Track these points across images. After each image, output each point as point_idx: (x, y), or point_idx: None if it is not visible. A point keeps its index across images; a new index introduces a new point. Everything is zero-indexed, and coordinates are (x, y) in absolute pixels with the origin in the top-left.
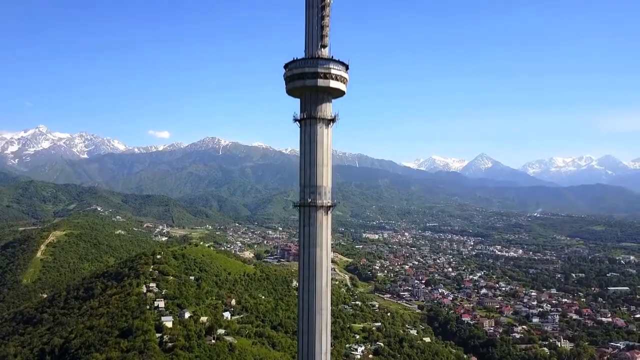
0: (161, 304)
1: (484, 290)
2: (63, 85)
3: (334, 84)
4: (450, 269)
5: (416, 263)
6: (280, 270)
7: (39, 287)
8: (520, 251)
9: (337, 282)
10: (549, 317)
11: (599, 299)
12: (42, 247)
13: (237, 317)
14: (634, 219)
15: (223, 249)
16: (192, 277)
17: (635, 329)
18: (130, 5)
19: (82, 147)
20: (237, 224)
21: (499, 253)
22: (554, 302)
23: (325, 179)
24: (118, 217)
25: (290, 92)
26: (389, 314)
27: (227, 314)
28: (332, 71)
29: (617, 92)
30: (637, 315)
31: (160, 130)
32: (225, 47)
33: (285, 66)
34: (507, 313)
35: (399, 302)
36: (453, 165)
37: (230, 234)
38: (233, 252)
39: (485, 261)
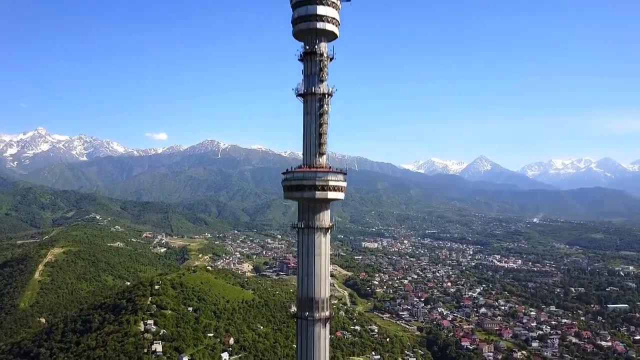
0: (159, 347)
1: (483, 310)
2: (60, 87)
3: (332, 194)
4: (449, 284)
5: (415, 277)
6: (279, 294)
7: (36, 311)
8: (520, 261)
9: (336, 301)
10: (549, 340)
11: (599, 317)
12: (40, 267)
13: (236, 357)
14: (633, 225)
15: (221, 263)
16: (190, 308)
17: (634, 354)
18: (128, 7)
19: (81, 150)
20: (236, 231)
21: (498, 264)
22: (553, 322)
23: (323, 289)
24: (117, 226)
25: (289, 198)
26: (388, 339)
27: (225, 355)
28: (330, 183)
29: (616, 94)
30: (637, 337)
31: (157, 132)
32: (224, 48)
33: (284, 173)
34: (506, 336)
35: (398, 322)
36: (452, 167)
37: (229, 242)
38: (232, 264)
39: (485, 273)
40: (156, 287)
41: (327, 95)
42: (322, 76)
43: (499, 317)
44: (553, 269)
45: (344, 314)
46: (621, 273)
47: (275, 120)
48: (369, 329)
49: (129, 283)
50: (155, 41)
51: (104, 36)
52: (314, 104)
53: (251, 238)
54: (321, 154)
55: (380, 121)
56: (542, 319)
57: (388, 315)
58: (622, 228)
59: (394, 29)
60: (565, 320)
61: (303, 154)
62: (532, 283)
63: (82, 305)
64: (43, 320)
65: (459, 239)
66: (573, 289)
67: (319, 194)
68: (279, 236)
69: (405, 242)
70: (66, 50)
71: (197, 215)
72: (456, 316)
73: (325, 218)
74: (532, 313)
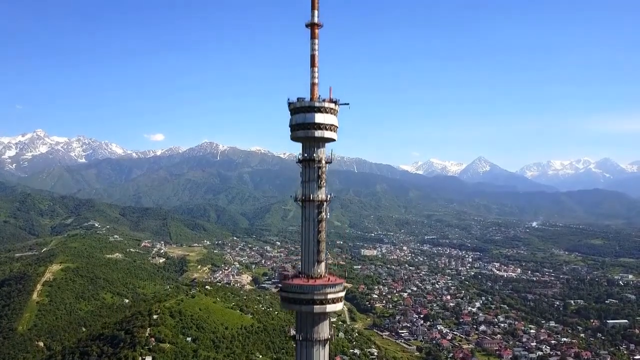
0: None
1: (482, 327)
2: (58, 88)
3: (330, 307)
4: (448, 297)
5: (414, 289)
6: (278, 316)
7: (34, 335)
8: (519, 270)
9: (335, 319)
10: None
11: (598, 334)
12: (38, 286)
13: None
14: (632, 229)
15: (220, 275)
16: (189, 339)
17: None
18: (127, 9)
19: (80, 152)
20: (235, 238)
21: (497, 272)
22: (553, 342)
23: None
24: (115, 235)
25: (286, 309)
26: None
27: None
28: (329, 296)
29: (614, 94)
30: (637, 357)
31: (154, 133)
32: (222, 48)
33: (281, 281)
34: (506, 357)
35: (397, 341)
36: (451, 168)
37: (228, 250)
38: (231, 276)
39: (484, 284)
40: (154, 316)
41: (325, 202)
42: (321, 183)
43: (499, 336)
44: (552, 279)
45: (343, 335)
46: (620, 283)
47: (274, 120)
48: (369, 351)
49: (127, 300)
50: (154, 43)
51: (101, 37)
52: (312, 211)
53: (250, 245)
54: (319, 262)
55: (379, 122)
56: (541, 337)
57: (387, 333)
58: (621, 233)
59: (392, 31)
60: (565, 339)
61: (301, 261)
62: (532, 295)
63: (80, 332)
64: (41, 344)
65: (458, 245)
66: (572, 302)
67: (317, 308)
68: (278, 243)
69: (405, 248)
70: (63, 51)
71: (196, 221)
72: (456, 334)
73: (324, 329)
74: (532, 331)
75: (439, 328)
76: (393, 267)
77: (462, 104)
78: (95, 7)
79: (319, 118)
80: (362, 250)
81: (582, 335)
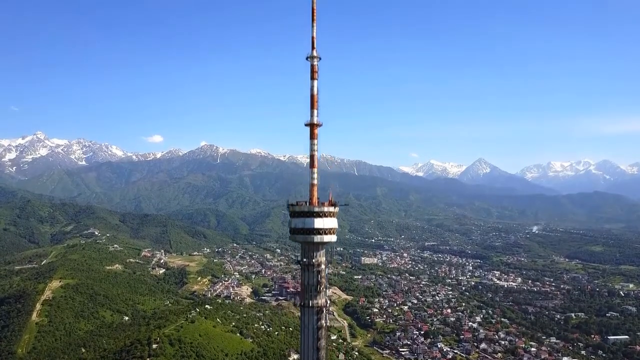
0: None
1: (483, 345)
2: (56, 90)
3: None
4: (449, 310)
5: (415, 302)
6: (277, 337)
7: (33, 357)
8: (520, 280)
9: (335, 336)
10: None
11: (599, 351)
12: (38, 305)
13: None
14: (632, 234)
15: (220, 287)
16: None
17: None
18: (126, 10)
19: (80, 154)
20: (235, 245)
21: (497, 282)
22: None
23: None
24: (115, 245)
25: None
26: None
27: None
28: None
29: (614, 95)
30: None
31: (152, 134)
32: (221, 49)
33: None
34: None
35: None
36: (451, 170)
37: (228, 259)
38: (231, 288)
39: (485, 295)
40: (154, 346)
41: (325, 308)
42: (320, 288)
43: (500, 354)
44: (553, 289)
45: (343, 357)
46: (621, 293)
47: (273, 121)
48: None
49: (127, 318)
50: (153, 44)
51: (100, 39)
52: (311, 317)
53: (250, 252)
54: (319, 349)
55: (379, 123)
56: (542, 356)
57: (388, 351)
58: (622, 238)
59: (391, 31)
60: (566, 358)
61: (301, 350)
62: (532, 307)
63: (80, 353)
64: None
65: (459, 252)
66: (573, 315)
67: None
68: (278, 250)
69: (405, 255)
70: (61, 53)
71: (196, 227)
72: (456, 353)
73: None
74: (533, 349)
75: (439, 346)
76: (393, 276)
77: (461, 105)
78: (95, 9)
79: (319, 223)
80: (363, 258)
81: (582, 352)
